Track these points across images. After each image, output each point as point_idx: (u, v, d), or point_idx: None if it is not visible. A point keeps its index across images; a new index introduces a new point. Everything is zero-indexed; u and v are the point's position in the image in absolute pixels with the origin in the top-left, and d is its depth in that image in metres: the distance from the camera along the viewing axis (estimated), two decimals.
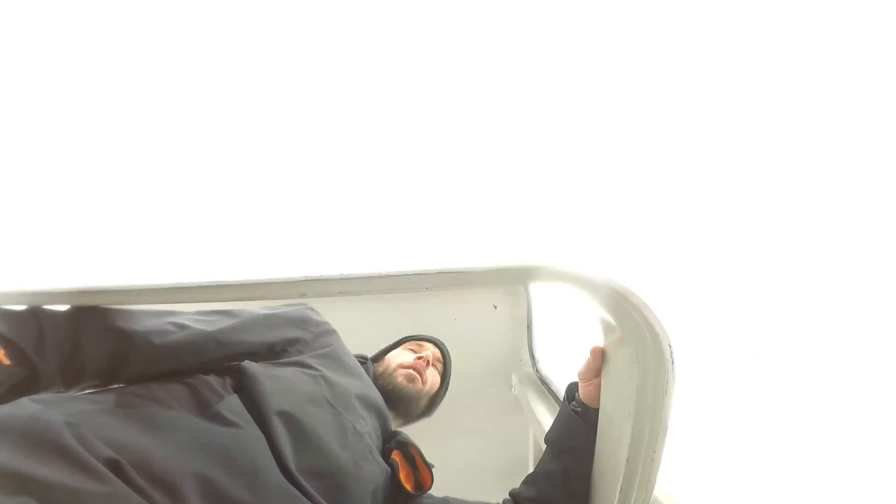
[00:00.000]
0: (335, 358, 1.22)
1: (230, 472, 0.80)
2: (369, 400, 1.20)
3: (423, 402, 1.48)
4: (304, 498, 0.87)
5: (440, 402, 1.56)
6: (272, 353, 1.12)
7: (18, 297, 0.89)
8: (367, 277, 0.74)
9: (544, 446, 1.11)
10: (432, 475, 1.20)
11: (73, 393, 0.91)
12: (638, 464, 0.75)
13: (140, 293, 0.78)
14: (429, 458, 1.22)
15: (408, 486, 1.15)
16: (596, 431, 0.94)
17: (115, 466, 0.68)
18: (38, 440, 0.68)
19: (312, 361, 1.15)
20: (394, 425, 1.36)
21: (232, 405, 0.91)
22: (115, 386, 0.93)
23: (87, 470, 0.66)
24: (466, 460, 1.58)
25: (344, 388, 1.13)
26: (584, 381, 0.96)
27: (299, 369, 1.10)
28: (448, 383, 1.59)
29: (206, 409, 0.87)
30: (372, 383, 1.30)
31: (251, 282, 0.78)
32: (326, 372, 1.13)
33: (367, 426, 1.13)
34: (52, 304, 0.89)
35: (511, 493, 1.12)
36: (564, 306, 1.72)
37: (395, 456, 1.17)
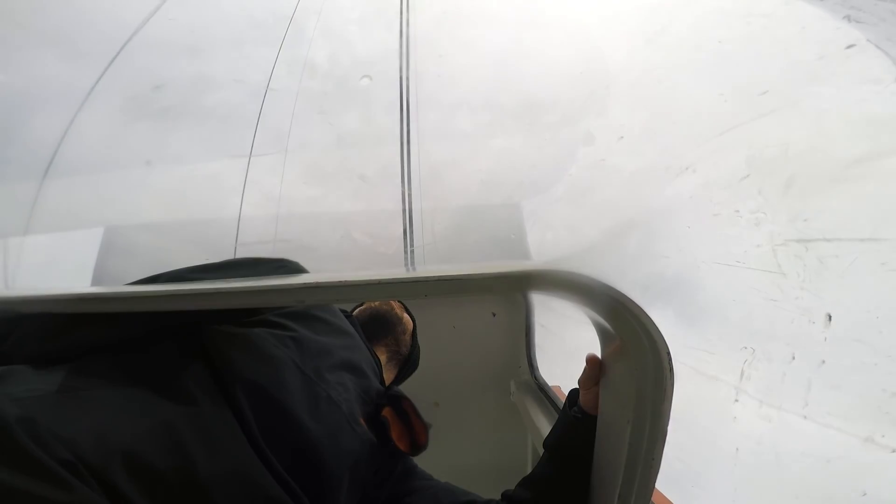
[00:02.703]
0: (311, 315, 1.15)
1: (177, 455, 0.73)
2: (352, 361, 1.14)
3: (407, 336, 1.47)
4: (268, 474, 0.81)
5: (418, 353, 1.55)
6: (236, 311, 1.02)
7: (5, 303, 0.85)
8: (365, 284, 0.73)
9: (542, 451, 1.10)
10: (428, 432, 1.15)
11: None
12: (636, 471, 0.75)
13: (134, 300, 0.78)
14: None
15: (401, 446, 1.10)
16: (595, 438, 0.94)
17: (73, 470, 0.63)
18: None
19: (283, 320, 1.07)
20: (386, 377, 1.33)
21: (195, 375, 0.84)
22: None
23: (48, 476, 0.60)
24: (464, 466, 1.57)
25: (320, 349, 1.06)
26: (584, 389, 0.96)
27: (267, 330, 1.02)
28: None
29: (164, 383, 0.80)
30: (357, 337, 1.24)
31: (248, 288, 0.77)
32: (302, 331, 1.06)
33: (345, 392, 1.05)
34: (43, 310, 0.85)
35: (504, 494, 1.08)
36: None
37: (387, 413, 1.11)
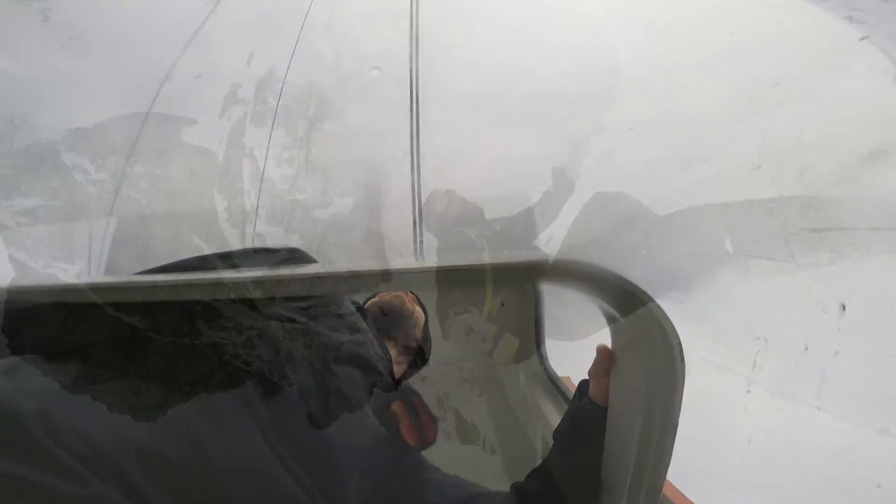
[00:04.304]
0: (320, 309, 1.13)
1: (191, 449, 0.74)
2: (361, 355, 1.13)
3: (418, 331, 1.46)
4: (279, 467, 0.82)
5: (430, 347, 1.54)
6: (246, 302, 1.01)
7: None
8: (374, 274, 0.73)
9: (552, 442, 1.10)
10: (436, 427, 1.16)
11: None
12: (647, 462, 0.75)
13: (146, 289, 0.78)
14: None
15: (410, 441, 1.11)
16: (605, 429, 0.93)
17: (89, 464, 0.63)
18: (4, 433, 0.62)
19: (292, 314, 1.05)
20: (396, 370, 1.33)
21: (206, 369, 0.84)
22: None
23: (64, 471, 0.61)
24: (473, 458, 1.57)
25: (329, 344, 1.06)
26: (594, 380, 0.95)
27: (277, 323, 1.01)
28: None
29: (176, 376, 0.81)
30: (368, 332, 1.23)
31: (258, 277, 0.77)
32: (311, 325, 1.06)
33: (355, 387, 1.05)
34: (57, 300, 0.85)
35: (514, 486, 1.08)
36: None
37: (396, 407, 1.13)
